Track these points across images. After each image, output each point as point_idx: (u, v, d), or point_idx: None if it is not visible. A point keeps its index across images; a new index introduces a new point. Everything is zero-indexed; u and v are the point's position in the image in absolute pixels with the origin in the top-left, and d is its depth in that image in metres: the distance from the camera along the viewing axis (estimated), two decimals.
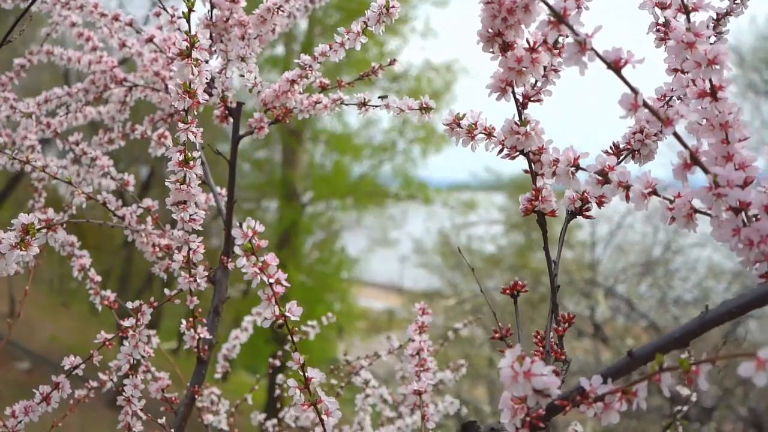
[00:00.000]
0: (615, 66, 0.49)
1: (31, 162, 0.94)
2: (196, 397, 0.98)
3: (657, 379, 0.47)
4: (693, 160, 0.51)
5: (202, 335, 0.95)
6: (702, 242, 6.52)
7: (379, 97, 0.77)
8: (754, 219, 0.51)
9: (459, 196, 11.21)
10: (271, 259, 0.61)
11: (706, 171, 0.50)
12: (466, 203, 11.13)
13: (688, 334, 0.49)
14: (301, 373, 0.63)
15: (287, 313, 0.61)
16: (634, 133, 0.67)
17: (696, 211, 0.53)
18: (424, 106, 0.81)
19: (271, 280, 0.60)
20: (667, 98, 0.68)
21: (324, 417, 0.63)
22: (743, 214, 0.50)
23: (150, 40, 1.03)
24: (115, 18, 1.08)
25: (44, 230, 0.66)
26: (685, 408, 1.07)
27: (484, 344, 6.65)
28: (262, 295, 0.61)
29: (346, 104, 0.94)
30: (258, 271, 0.60)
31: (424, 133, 11.70)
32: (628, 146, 0.67)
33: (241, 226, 0.60)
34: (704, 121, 0.54)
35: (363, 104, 0.92)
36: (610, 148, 0.67)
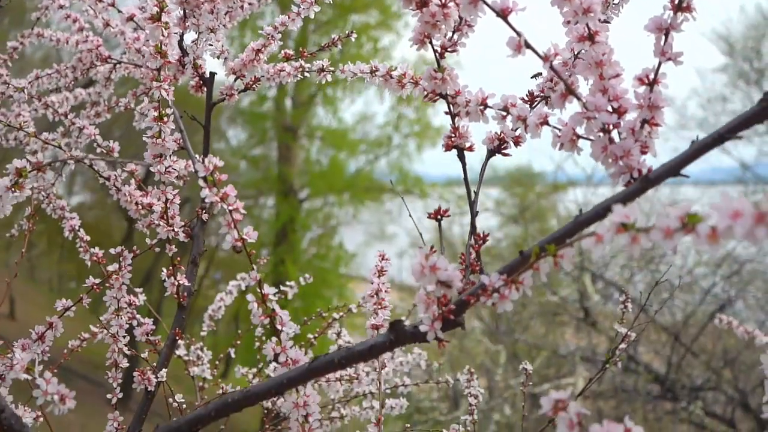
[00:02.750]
0: (502, 14, 0.60)
1: (24, 128, 1.04)
2: (178, 339, 1.08)
3: (536, 267, 0.57)
4: (568, 90, 0.61)
5: (181, 282, 1.05)
6: None
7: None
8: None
9: (455, 190, 11.29)
10: (230, 190, 0.71)
11: (579, 99, 0.60)
12: (462, 197, 11.20)
13: (566, 233, 0.59)
14: (258, 290, 0.74)
15: (245, 236, 0.72)
16: (546, 82, 0.77)
17: (578, 136, 0.63)
18: (374, 69, 0.92)
19: (231, 208, 0.71)
20: (575, 52, 0.78)
21: (279, 327, 0.74)
22: (612, 134, 0.61)
23: (131, 18, 1.13)
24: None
25: (34, 172, 0.77)
26: (624, 346, 1.18)
27: (483, 337, 6.78)
28: (222, 222, 0.72)
29: (307, 71, 1.04)
30: (219, 200, 0.70)
31: (420, 128, 11.81)
32: (542, 93, 0.77)
33: (203, 161, 0.70)
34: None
35: (321, 70, 1.03)
36: (526, 95, 0.77)
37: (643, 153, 0.60)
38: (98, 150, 1.17)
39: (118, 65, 1.27)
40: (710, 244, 0.41)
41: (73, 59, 1.29)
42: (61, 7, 1.29)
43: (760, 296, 6.34)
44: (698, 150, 0.55)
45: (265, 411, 1.45)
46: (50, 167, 0.81)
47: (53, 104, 1.24)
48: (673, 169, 0.56)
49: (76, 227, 1.20)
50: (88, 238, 1.20)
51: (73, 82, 1.29)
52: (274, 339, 0.74)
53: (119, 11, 1.17)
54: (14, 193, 0.76)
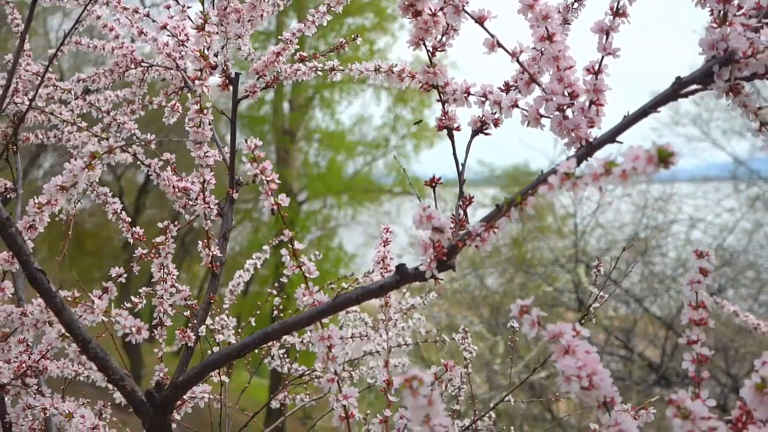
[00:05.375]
0: (479, 21, 0.77)
1: (77, 123, 1.21)
2: (212, 303, 1.25)
3: (508, 215, 0.74)
4: (531, 79, 0.79)
5: (214, 253, 1.23)
6: (676, 219, 6.84)
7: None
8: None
9: (453, 190, 11.37)
10: (267, 164, 0.89)
11: (540, 85, 0.78)
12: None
13: (530, 188, 0.76)
14: (290, 246, 0.91)
15: (279, 201, 0.89)
16: (517, 74, 0.94)
17: (541, 115, 0.81)
18: (377, 67, 1.09)
19: (268, 179, 0.88)
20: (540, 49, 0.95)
21: (307, 275, 0.91)
22: (567, 113, 0.78)
23: (164, 27, 1.31)
24: (135, 11, 1.36)
25: (106, 154, 0.94)
26: (598, 305, 1.35)
27: (482, 336, 6.96)
28: (261, 190, 0.89)
29: (320, 71, 1.22)
30: (259, 172, 0.88)
31: (417, 129, 12.00)
32: (515, 83, 0.94)
33: (246, 141, 0.87)
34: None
35: (332, 69, 1.20)
36: (503, 84, 0.95)
37: (591, 127, 0.78)
38: (137, 143, 1.34)
39: (150, 68, 1.45)
40: (622, 181, 0.59)
41: (110, 63, 1.46)
42: (98, 17, 1.46)
43: (749, 284, 6.53)
44: (629, 122, 0.73)
45: (284, 377, 1.62)
46: (121, 149, 0.99)
47: (96, 102, 1.42)
48: (610, 137, 0.73)
49: (118, 210, 1.37)
50: (129, 219, 1.38)
51: (110, 84, 1.46)
52: (302, 285, 0.92)
53: (153, 21, 1.34)
54: (88, 173, 0.93)
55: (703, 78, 0.70)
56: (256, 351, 1.59)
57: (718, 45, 0.69)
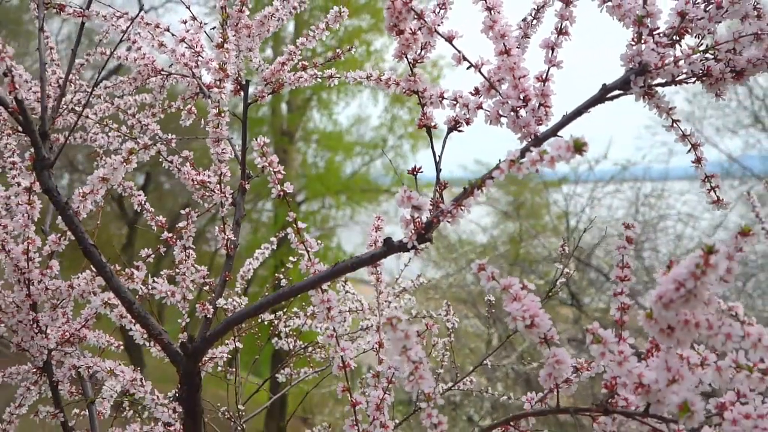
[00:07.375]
0: (448, 39, 0.96)
1: (108, 124, 1.39)
2: (227, 281, 1.44)
3: (473, 195, 0.92)
4: (491, 86, 0.97)
5: (229, 237, 1.41)
6: (665, 215, 7.03)
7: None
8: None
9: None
10: (274, 158, 1.07)
11: (497, 91, 0.96)
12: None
13: (489, 173, 0.95)
14: (295, 225, 1.09)
15: (285, 188, 1.08)
16: (483, 82, 1.13)
17: (500, 115, 0.99)
18: (369, 75, 1.28)
19: (275, 170, 1.07)
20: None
21: (309, 249, 1.10)
22: (521, 113, 0.97)
23: (182, 40, 1.49)
24: (157, 26, 1.54)
25: (141, 150, 1.12)
26: (564, 280, 1.53)
27: (482, 335, 7.15)
28: (269, 179, 1.08)
29: (320, 78, 1.41)
30: (267, 165, 1.06)
31: (414, 129, 12.19)
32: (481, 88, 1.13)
33: (255, 139, 1.06)
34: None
35: (330, 77, 1.39)
36: (473, 89, 1.13)
37: (539, 124, 0.96)
38: (159, 143, 1.52)
39: (169, 76, 1.63)
40: (550, 166, 0.77)
41: (134, 72, 1.64)
42: (123, 31, 1.65)
43: (737, 277, 6.72)
44: (566, 120, 0.91)
45: (289, 351, 1.81)
46: (152, 146, 1.17)
47: (122, 106, 1.60)
48: (552, 133, 0.92)
49: (143, 202, 1.55)
50: (153, 209, 1.56)
51: (134, 90, 1.64)
52: (306, 258, 1.10)
53: (173, 35, 1.53)
54: (125, 165, 1.12)
55: (623, 85, 0.88)
56: (266, 323, 1.77)
57: (635, 59, 0.88)
